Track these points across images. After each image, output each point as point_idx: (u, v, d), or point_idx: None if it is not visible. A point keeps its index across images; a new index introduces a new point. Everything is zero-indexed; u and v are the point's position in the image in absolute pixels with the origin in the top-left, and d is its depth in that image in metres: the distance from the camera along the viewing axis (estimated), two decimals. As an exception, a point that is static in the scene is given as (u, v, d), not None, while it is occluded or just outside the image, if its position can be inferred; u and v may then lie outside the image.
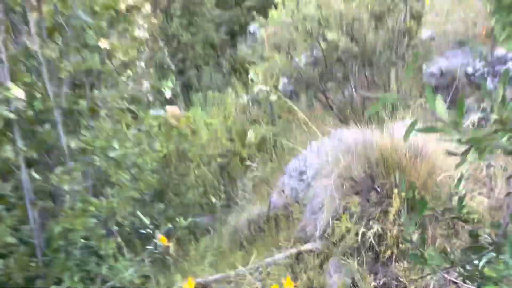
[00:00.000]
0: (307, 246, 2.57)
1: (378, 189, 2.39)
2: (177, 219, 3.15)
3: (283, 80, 8.19)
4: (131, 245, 3.29)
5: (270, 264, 2.59)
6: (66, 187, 2.34)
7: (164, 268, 3.34)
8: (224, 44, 17.11)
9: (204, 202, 4.56)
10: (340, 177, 2.48)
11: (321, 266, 2.43)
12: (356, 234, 2.36)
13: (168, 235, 3.59)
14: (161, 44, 11.66)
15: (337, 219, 2.43)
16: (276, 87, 8.37)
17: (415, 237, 1.21)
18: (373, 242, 2.33)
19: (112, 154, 2.28)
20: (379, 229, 2.36)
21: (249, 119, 8.35)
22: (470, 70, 4.78)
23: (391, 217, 2.36)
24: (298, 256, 2.62)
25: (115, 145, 2.30)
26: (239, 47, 11.61)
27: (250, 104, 9.44)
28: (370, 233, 2.35)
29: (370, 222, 2.39)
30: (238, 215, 4.22)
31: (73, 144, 2.32)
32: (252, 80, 10.11)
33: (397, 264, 2.28)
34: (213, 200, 4.63)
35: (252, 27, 13.64)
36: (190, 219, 3.13)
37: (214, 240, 3.63)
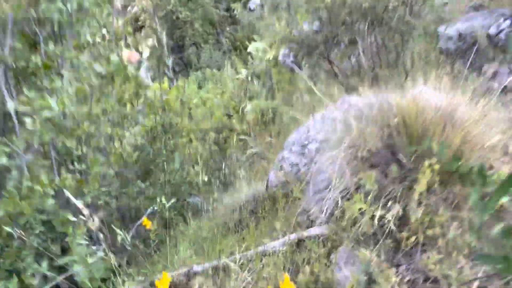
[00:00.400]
0: (311, 232, 2.11)
1: (402, 161, 1.90)
2: (158, 199, 2.68)
3: (283, 51, 7.64)
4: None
5: (265, 254, 2.13)
6: (4, 160, 1.87)
7: (145, 257, 2.91)
8: (224, 21, 16.45)
9: (196, 181, 4.10)
10: (352, 147, 1.99)
11: (328, 256, 1.98)
12: (372, 217, 1.90)
13: (150, 216, 3.14)
14: (157, 19, 11.07)
15: (348, 199, 1.96)
16: (276, 58, 7.82)
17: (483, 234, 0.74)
18: (393, 227, 1.86)
19: (47, 114, 1.79)
20: (401, 211, 1.89)
21: (248, 94, 7.84)
22: (493, 30, 4.23)
23: (416, 196, 1.89)
24: (299, 244, 2.17)
25: (52, 103, 1.80)
26: (239, 17, 11.07)
27: (249, 79, 8.91)
28: (389, 216, 1.88)
29: (389, 203, 1.92)
30: (233, 195, 3.77)
31: (11, 106, 1.84)
32: (249, 53, 9.54)
33: (424, 254, 1.82)
34: (206, 178, 4.17)
35: (251, 4, 13.03)
36: (173, 200, 2.67)
37: (204, 224, 3.18)
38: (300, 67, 6.72)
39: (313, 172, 2.30)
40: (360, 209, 1.89)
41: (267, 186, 3.35)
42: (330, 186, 2.01)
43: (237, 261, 2.11)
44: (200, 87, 10.10)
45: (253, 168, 4.29)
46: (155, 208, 3.11)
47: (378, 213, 1.88)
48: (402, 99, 2.18)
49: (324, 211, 1.99)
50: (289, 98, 6.22)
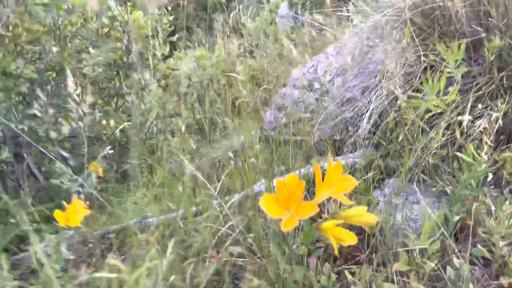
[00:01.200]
0: (340, 160, 1.29)
1: (503, 36, 1.09)
2: (104, 122, 1.84)
3: (281, 11, 6.81)
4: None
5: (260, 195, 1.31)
6: None
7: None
8: (218, 7, 15.76)
9: (169, 130, 3.25)
10: (419, 8, 1.17)
11: (369, 191, 1.16)
12: (451, 126, 1.09)
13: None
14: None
15: (414, 91, 1.15)
16: (272, 21, 7.00)
17: None
18: (488, 142, 1.06)
19: None
20: (501, 120, 1.09)
21: (241, 56, 7.02)
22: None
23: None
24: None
25: None
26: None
27: (242, 51, 8.11)
28: (481, 124, 1.08)
29: (480, 105, 1.11)
30: (215, 149, 2.94)
31: None
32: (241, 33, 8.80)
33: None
34: (183, 128, 3.33)
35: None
36: (127, 123, 1.85)
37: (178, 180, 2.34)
38: (303, 25, 5.89)
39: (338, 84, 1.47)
40: (435, 107, 1.08)
41: (261, 128, 2.53)
42: (379, 76, 1.19)
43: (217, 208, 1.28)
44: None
45: (245, 119, 3.46)
46: (109, 151, 2.26)
47: (465, 119, 1.08)
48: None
49: (367, 114, 1.17)
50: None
